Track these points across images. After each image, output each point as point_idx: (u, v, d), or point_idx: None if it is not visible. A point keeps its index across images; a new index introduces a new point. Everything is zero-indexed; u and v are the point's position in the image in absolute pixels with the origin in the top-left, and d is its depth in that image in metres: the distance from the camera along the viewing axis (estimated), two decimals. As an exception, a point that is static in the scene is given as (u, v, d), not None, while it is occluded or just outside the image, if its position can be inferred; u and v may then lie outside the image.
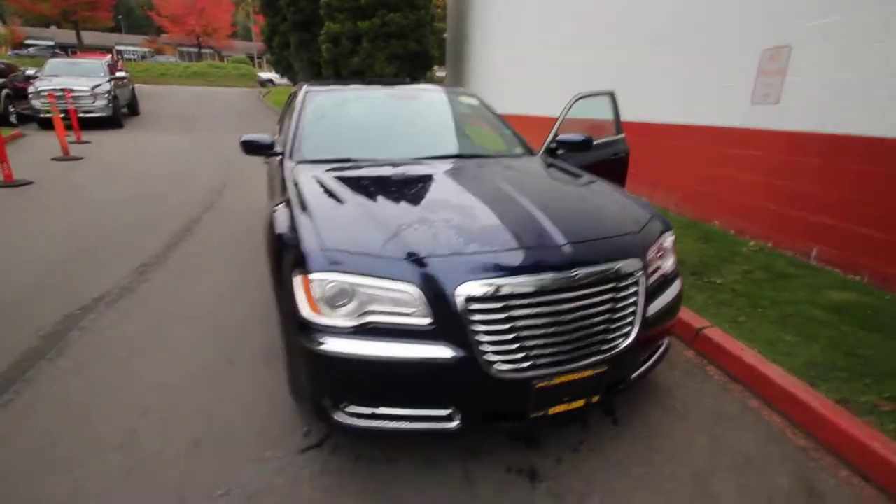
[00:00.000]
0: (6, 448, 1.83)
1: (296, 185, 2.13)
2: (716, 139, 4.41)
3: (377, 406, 1.58)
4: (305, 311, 1.54)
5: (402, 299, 1.50)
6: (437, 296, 1.49)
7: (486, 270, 1.53)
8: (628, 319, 1.70)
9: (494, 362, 1.50)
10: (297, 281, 1.57)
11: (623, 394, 2.04)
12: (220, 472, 1.73)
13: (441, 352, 1.47)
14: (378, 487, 1.69)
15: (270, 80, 29.69)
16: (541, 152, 3.10)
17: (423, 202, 1.97)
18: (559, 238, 1.67)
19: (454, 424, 1.57)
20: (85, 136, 9.60)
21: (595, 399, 1.69)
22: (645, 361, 1.91)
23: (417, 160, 2.60)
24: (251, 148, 2.64)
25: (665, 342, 2.06)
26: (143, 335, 2.68)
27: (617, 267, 1.67)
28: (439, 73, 19.69)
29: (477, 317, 1.49)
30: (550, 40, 7.79)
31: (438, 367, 1.48)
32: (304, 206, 1.87)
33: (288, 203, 1.95)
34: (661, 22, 5.10)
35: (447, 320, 1.48)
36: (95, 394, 2.17)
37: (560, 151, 3.15)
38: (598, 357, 1.62)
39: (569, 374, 1.57)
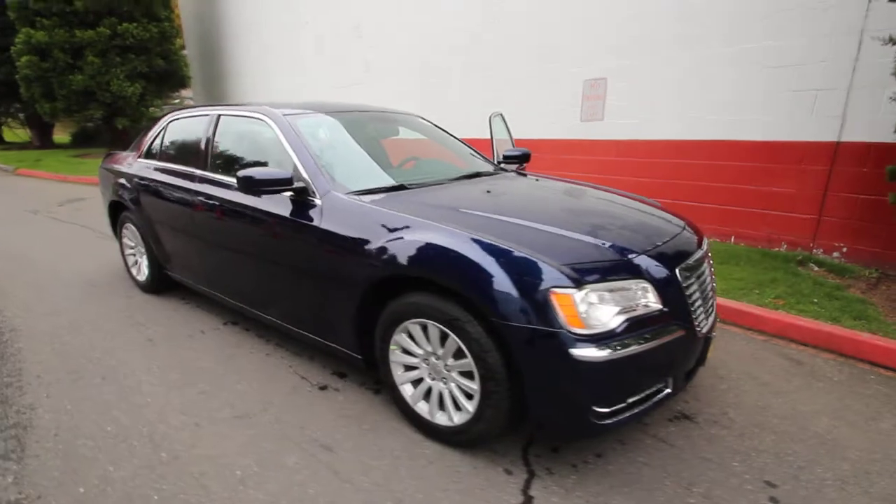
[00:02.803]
0: None
1: (422, 217, 1.93)
2: (559, 148, 5.63)
3: (627, 398, 1.69)
4: (569, 326, 1.54)
5: (641, 293, 1.67)
6: (662, 282, 1.73)
7: (676, 255, 1.86)
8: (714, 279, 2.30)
9: (698, 325, 1.84)
10: (553, 300, 1.54)
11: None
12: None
13: (677, 328, 1.72)
14: (622, 477, 1.78)
15: None
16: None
17: (559, 213, 2.10)
18: (680, 224, 2.13)
19: (669, 390, 1.83)
20: None
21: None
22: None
23: (459, 179, 2.62)
24: (259, 184, 2.13)
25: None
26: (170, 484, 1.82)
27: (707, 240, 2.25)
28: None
29: (686, 292, 1.80)
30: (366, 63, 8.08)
31: (677, 342, 1.72)
32: (492, 233, 1.76)
33: (448, 236, 1.77)
34: (487, 55, 6.12)
35: (673, 300, 1.74)
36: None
37: (503, 164, 3.58)
38: (713, 309, 2.16)
39: (712, 325, 2.05)
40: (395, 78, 7.68)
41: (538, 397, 1.65)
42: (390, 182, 2.35)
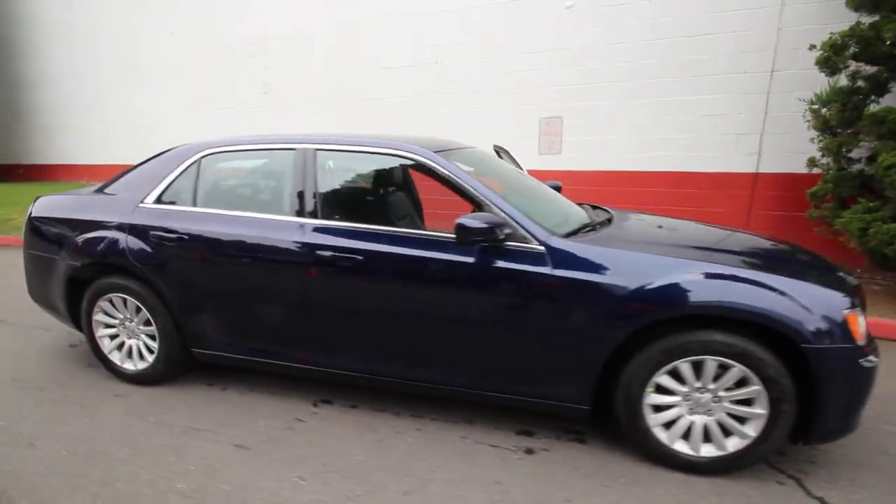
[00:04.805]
0: None
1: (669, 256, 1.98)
2: (517, 179, 6.02)
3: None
4: (857, 341, 1.80)
5: (858, 304, 2.04)
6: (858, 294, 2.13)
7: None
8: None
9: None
10: (848, 320, 1.79)
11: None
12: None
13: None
14: (861, 462, 2.08)
15: None
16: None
17: (743, 243, 2.37)
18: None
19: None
20: None
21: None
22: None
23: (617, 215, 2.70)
24: (473, 234, 1.96)
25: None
26: None
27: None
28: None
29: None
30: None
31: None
32: (741, 265, 1.94)
33: (739, 272, 1.90)
34: (444, 90, 6.22)
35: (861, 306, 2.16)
36: None
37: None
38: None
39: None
40: (307, 105, 7.13)
41: (833, 408, 1.85)
42: (575, 222, 2.31)
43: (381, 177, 2.43)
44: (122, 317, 2.69)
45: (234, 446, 2.19)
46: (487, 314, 2.08)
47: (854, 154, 3.99)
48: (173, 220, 2.47)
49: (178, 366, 2.68)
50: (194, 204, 2.51)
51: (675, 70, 4.99)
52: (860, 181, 3.88)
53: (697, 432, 1.99)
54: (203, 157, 2.56)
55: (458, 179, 2.16)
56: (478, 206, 2.13)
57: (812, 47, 3.78)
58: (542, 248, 2.02)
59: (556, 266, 1.98)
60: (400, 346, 2.24)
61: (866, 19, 3.75)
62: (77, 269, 2.65)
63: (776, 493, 1.92)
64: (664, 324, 1.91)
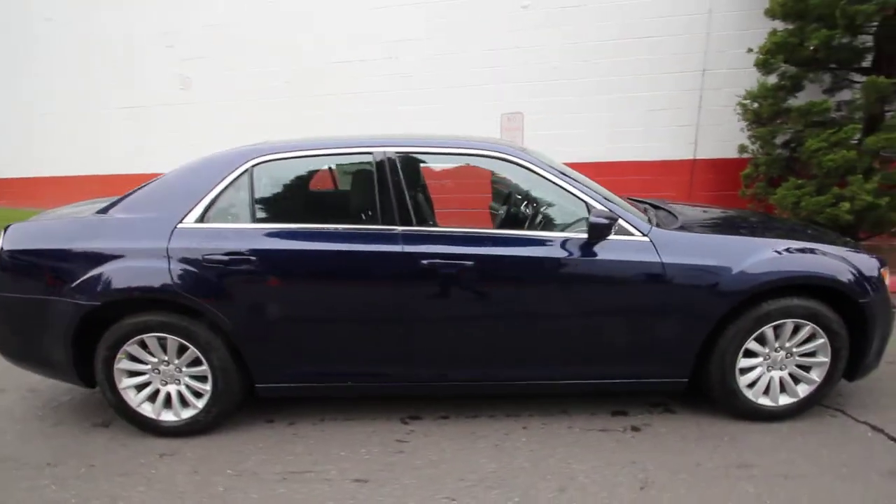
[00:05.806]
0: None
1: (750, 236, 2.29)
2: (482, 173, 6.15)
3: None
4: (891, 289, 2.25)
5: None
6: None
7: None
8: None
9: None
10: (881, 275, 2.22)
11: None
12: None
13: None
14: None
15: None
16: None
17: (762, 221, 2.72)
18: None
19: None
20: None
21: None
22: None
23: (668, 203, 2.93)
24: (604, 231, 2.05)
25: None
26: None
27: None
28: None
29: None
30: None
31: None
32: (805, 240, 2.29)
33: (807, 245, 2.26)
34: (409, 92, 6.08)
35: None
36: None
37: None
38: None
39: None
40: (240, 101, 6.50)
41: (873, 348, 2.26)
42: (641, 212, 2.50)
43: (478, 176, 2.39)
44: (155, 360, 2.27)
45: (353, 482, 2.01)
46: (603, 305, 2.18)
47: (777, 140, 4.81)
48: (232, 240, 2.14)
49: (233, 407, 2.35)
50: (253, 220, 2.21)
51: (627, 69, 5.51)
52: (785, 163, 4.70)
53: (775, 386, 2.31)
54: (254, 165, 2.25)
55: (560, 181, 2.22)
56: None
57: (750, 51, 4.46)
58: (646, 238, 2.17)
59: (664, 254, 2.14)
60: (516, 347, 2.24)
61: (781, 27, 4.53)
62: (93, 310, 2.16)
63: (834, 424, 2.32)
64: (756, 296, 2.18)
